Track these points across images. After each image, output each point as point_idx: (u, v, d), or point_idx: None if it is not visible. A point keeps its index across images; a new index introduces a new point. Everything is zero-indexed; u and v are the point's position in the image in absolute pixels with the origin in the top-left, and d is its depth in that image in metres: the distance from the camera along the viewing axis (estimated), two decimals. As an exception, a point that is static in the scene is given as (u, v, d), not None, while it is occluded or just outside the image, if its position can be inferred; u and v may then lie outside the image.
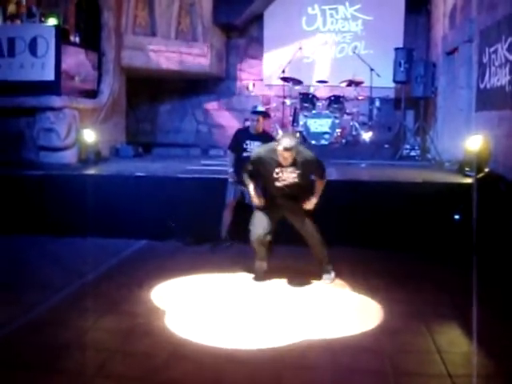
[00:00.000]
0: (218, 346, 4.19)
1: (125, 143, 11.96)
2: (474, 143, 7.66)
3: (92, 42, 10.72)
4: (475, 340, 4.15)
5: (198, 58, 12.35)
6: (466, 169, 7.87)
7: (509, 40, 7.33)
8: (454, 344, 4.28)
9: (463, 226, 6.48)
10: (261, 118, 7.16)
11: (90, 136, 9.64)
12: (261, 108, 7.34)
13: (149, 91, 13.79)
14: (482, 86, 8.43)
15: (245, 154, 7.12)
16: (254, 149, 6.93)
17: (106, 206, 7.59)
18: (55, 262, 6.49)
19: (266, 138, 7.10)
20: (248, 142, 7.16)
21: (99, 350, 4.05)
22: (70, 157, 9.42)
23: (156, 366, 3.82)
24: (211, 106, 13.81)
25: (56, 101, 9.27)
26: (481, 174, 7.31)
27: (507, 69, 7.38)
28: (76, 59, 10.04)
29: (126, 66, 11.57)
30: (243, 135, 7.24)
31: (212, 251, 7.14)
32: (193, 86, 13.65)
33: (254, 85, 12.94)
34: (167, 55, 11.96)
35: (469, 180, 7.44)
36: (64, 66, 9.49)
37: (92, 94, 10.68)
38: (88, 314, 4.75)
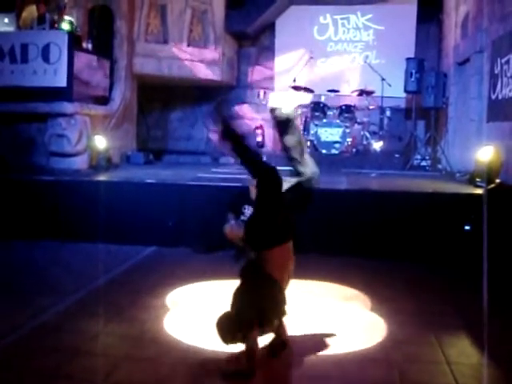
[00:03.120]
0: (227, 353, 4.18)
1: (135, 150, 12.01)
2: (485, 154, 7.62)
3: (104, 49, 10.80)
4: (485, 351, 4.13)
5: (209, 65, 12.42)
6: (477, 179, 7.84)
7: (521, 51, 7.32)
8: (464, 355, 4.25)
9: (473, 237, 6.45)
10: None
11: (100, 142, 9.69)
12: None
13: (160, 98, 13.85)
14: (493, 97, 8.41)
15: (242, 218, 7.11)
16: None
17: (116, 212, 7.60)
18: (65, 267, 6.50)
19: None
20: (247, 206, 7.12)
21: (107, 356, 4.05)
22: (80, 163, 9.48)
23: (164, 373, 3.81)
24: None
25: (68, 107, 9.34)
26: (492, 185, 7.28)
27: (519, 80, 7.37)
28: (88, 66, 10.10)
29: (138, 73, 11.64)
30: (243, 199, 7.17)
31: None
32: (204, 94, 13.70)
33: (265, 93, 12.96)
34: (179, 63, 12.03)
35: (479, 191, 7.40)
36: (76, 72, 9.56)
37: (103, 101, 10.75)
38: (97, 320, 4.75)
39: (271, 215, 4.14)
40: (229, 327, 3.77)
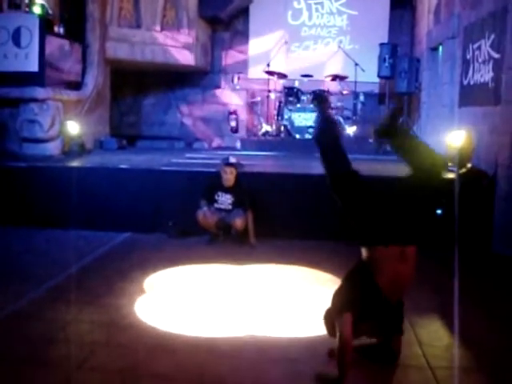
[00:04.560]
0: (202, 338, 4.20)
1: (109, 135, 11.93)
2: (457, 139, 7.71)
3: (76, 33, 10.65)
4: (456, 333, 4.20)
5: (182, 50, 12.33)
6: (449, 164, 7.92)
7: (492, 37, 7.39)
8: (435, 337, 4.32)
9: (445, 221, 6.53)
10: (233, 170, 7.10)
11: (73, 128, 9.61)
12: (233, 160, 7.23)
13: (133, 83, 13.75)
14: (465, 82, 8.49)
15: (216, 206, 7.12)
16: (225, 202, 7.01)
17: (89, 198, 7.57)
18: (38, 254, 6.47)
19: (238, 192, 7.09)
20: (220, 193, 7.13)
21: (82, 343, 4.05)
22: (53, 149, 9.37)
23: (139, 359, 3.82)
24: (196, 98, 13.79)
25: (40, 92, 9.21)
26: (463, 170, 7.36)
27: (490, 65, 7.44)
28: (60, 50, 9.97)
29: (111, 58, 11.52)
30: (216, 186, 7.16)
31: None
32: (177, 79, 13.62)
33: (238, 78, 12.92)
34: (152, 47, 11.93)
35: (451, 175, 7.49)
36: (48, 57, 9.43)
37: (76, 86, 10.63)
38: (71, 307, 4.74)
39: (377, 211, 4.02)
40: (329, 320, 3.77)
